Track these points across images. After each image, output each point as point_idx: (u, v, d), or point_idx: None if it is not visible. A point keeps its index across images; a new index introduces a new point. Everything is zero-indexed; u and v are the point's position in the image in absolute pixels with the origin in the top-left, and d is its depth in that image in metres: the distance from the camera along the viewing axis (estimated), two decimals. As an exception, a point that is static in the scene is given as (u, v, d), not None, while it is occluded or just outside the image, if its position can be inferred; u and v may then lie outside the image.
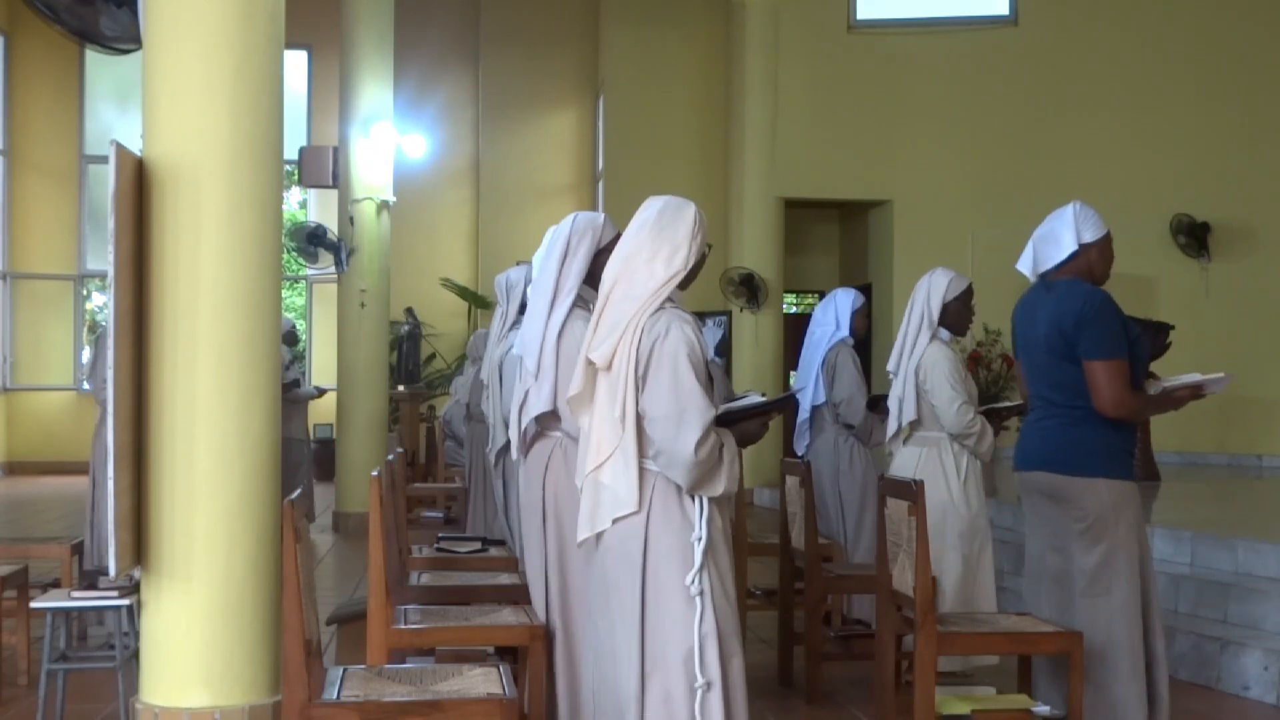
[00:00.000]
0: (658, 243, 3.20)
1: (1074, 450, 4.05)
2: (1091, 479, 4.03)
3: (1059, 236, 4.14)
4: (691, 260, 3.21)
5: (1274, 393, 13.36)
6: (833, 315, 6.58)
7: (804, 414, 6.60)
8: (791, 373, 15.22)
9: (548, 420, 3.94)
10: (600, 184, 16.32)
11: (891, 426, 5.58)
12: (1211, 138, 14.02)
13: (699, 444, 3.03)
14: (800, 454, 6.61)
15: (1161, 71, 14.23)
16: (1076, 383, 4.02)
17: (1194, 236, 14.02)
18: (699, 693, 3.06)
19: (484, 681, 3.32)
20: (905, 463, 5.40)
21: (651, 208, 3.28)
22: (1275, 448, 13.61)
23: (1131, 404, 4.01)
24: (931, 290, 5.44)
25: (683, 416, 3.04)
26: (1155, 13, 14.27)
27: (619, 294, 3.19)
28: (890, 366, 5.55)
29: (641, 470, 3.13)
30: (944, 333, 5.46)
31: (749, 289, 13.76)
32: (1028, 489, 4.26)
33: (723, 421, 3.20)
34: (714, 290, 13.91)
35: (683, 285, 3.26)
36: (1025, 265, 4.25)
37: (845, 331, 6.54)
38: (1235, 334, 13.52)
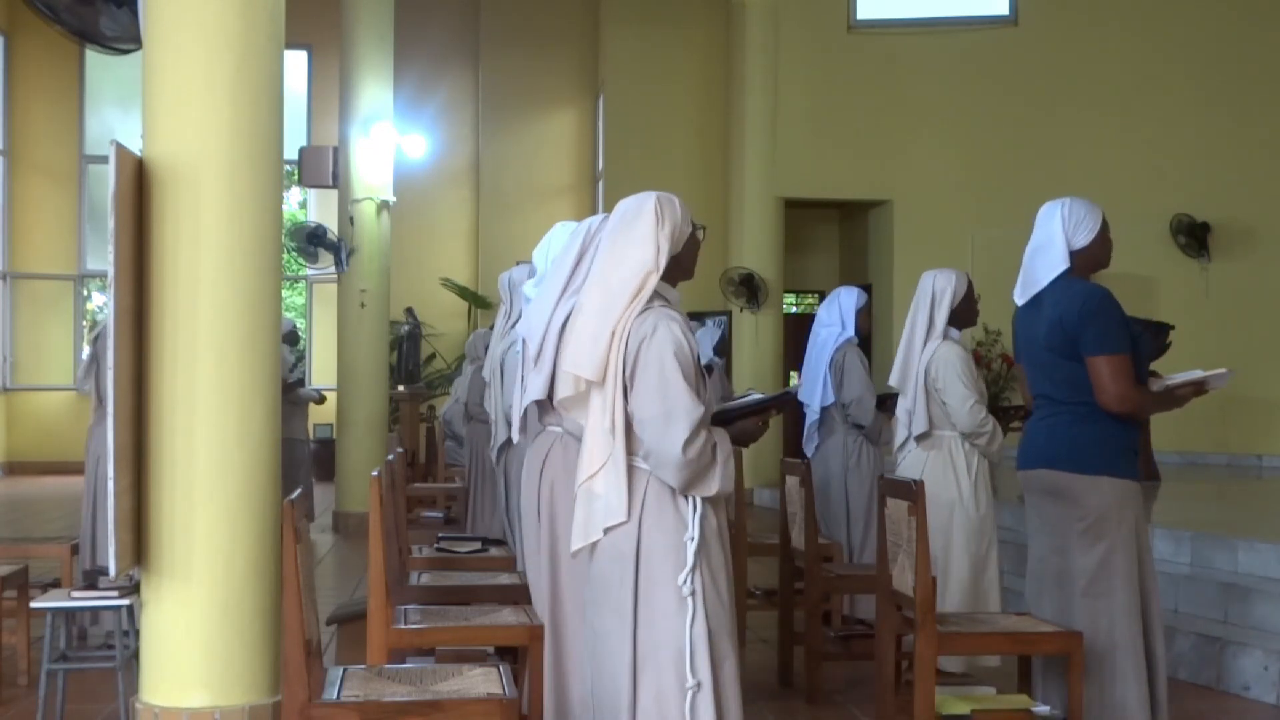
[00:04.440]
0: (621, 243, 3.17)
1: (1077, 447, 4.01)
2: (1095, 476, 3.99)
3: (1049, 254, 4.07)
4: (664, 252, 3.15)
5: (1274, 393, 13.36)
6: (837, 315, 6.53)
7: (813, 415, 6.55)
8: (792, 373, 15.22)
9: (547, 413, 3.91)
10: (600, 184, 16.32)
11: (900, 435, 5.51)
12: (1211, 137, 14.02)
13: (687, 443, 2.99)
14: (809, 455, 6.58)
15: (1162, 72, 14.23)
16: (1078, 380, 3.99)
17: (1194, 236, 14.02)
18: (689, 693, 3.03)
19: (484, 681, 3.32)
20: (913, 464, 5.36)
21: (616, 212, 3.26)
22: (1275, 448, 13.61)
23: (1136, 400, 3.97)
24: (939, 295, 5.35)
25: (670, 417, 3.01)
26: (1155, 13, 14.27)
27: (594, 301, 3.15)
28: (894, 380, 5.46)
29: (633, 470, 3.10)
30: (954, 331, 5.43)
31: (749, 289, 13.77)
32: (1030, 488, 4.22)
33: (720, 420, 3.17)
34: (714, 290, 13.92)
35: (673, 278, 3.21)
36: (1019, 294, 4.18)
37: (851, 331, 6.50)
38: (1235, 334, 13.51)
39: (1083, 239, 4.07)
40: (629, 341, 3.09)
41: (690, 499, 3.10)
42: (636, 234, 3.16)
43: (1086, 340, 3.95)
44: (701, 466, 3.04)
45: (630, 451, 3.10)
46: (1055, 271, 4.07)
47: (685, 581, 3.06)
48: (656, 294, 3.16)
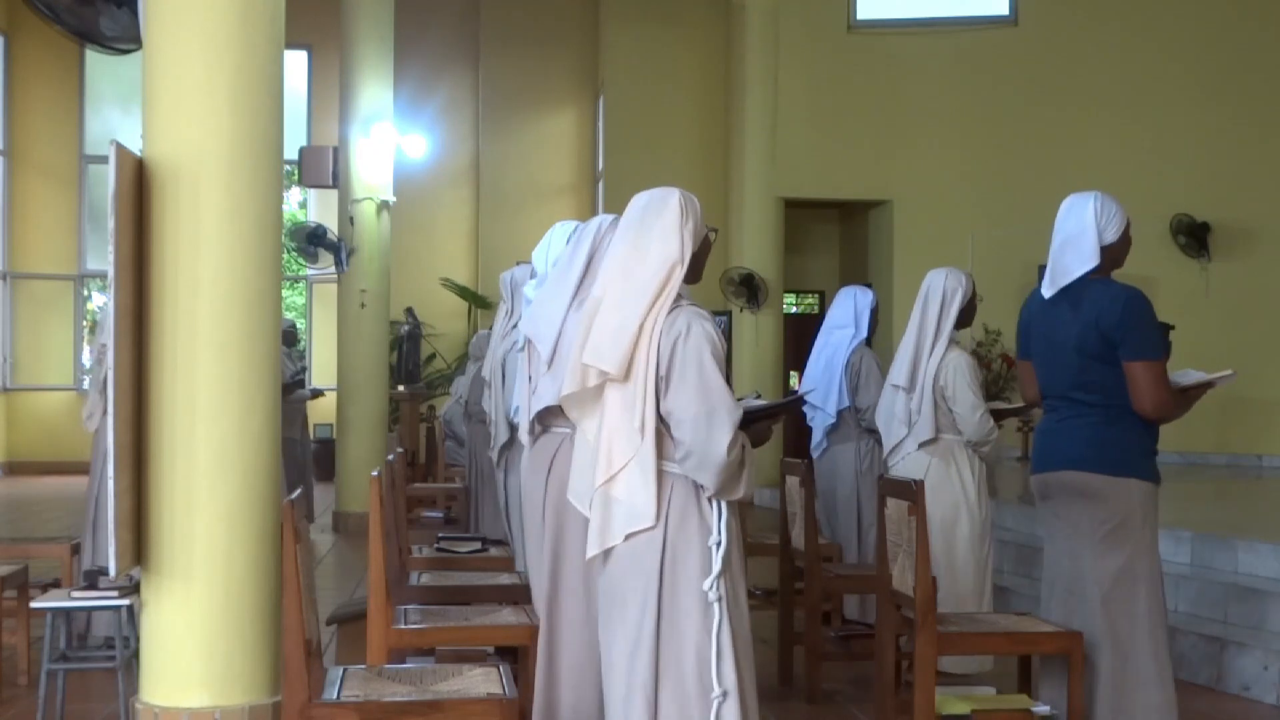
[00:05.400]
0: (645, 237, 3.11)
1: (1107, 449, 3.94)
2: (1124, 479, 3.93)
3: (1081, 247, 3.98)
4: (688, 247, 3.10)
5: (1274, 393, 13.36)
6: (851, 315, 6.43)
7: (828, 419, 6.42)
8: (793, 373, 15.22)
9: (554, 415, 3.85)
10: (600, 184, 16.32)
11: (895, 436, 5.46)
12: (1211, 138, 14.02)
13: (732, 444, 2.95)
14: (815, 456, 6.52)
15: (1162, 71, 14.23)
16: (1109, 383, 3.91)
17: (1194, 236, 14.02)
18: (716, 703, 2.98)
19: (484, 681, 3.32)
20: (914, 467, 5.32)
21: (635, 205, 3.19)
22: (1275, 448, 13.61)
23: (1171, 406, 3.92)
24: (949, 296, 5.33)
25: (713, 417, 2.96)
26: (1155, 12, 14.28)
27: (617, 293, 3.08)
28: (900, 380, 5.39)
29: (660, 473, 3.03)
30: (956, 334, 5.42)
31: (749, 289, 13.76)
32: (1051, 491, 4.11)
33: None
34: (714, 290, 13.91)
35: (688, 277, 3.15)
36: (1047, 286, 4.07)
37: (864, 333, 6.42)
38: (1235, 334, 13.52)
39: (1112, 234, 4.00)
40: (661, 340, 3.03)
41: (715, 503, 3.05)
42: (660, 228, 3.11)
43: (1127, 346, 3.87)
44: (737, 468, 3.00)
45: (660, 455, 3.03)
46: (1087, 265, 3.97)
47: (711, 587, 3.01)
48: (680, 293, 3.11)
